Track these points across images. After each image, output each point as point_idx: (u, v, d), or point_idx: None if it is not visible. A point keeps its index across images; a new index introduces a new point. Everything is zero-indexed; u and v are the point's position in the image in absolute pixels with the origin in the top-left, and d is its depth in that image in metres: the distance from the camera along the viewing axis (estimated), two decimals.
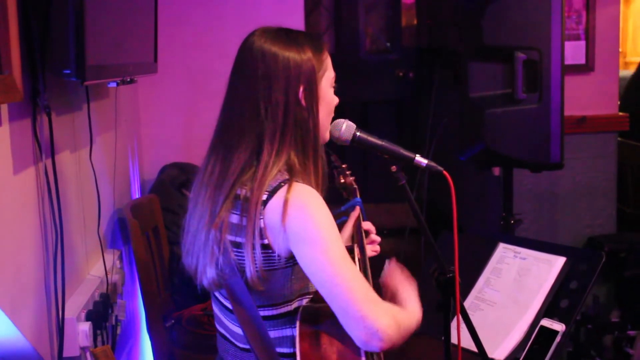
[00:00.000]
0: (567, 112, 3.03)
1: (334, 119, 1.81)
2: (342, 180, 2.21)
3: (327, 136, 1.79)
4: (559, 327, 1.99)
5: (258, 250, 1.62)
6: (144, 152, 3.92)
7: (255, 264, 1.63)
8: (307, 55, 1.70)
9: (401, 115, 5.96)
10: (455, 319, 1.75)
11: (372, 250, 2.10)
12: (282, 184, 1.63)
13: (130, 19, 2.62)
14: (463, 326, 1.77)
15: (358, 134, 1.77)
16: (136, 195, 3.60)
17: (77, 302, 2.26)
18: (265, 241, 1.63)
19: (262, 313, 1.71)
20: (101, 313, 2.36)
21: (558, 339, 1.97)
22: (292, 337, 1.70)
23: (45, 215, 2.07)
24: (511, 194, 3.28)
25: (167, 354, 3.02)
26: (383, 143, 1.75)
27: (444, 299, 1.74)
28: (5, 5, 1.68)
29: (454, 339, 1.77)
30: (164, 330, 3.05)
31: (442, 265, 1.73)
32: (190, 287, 3.35)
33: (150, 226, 3.17)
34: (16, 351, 1.90)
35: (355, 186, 2.23)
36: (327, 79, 1.75)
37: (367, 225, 2.09)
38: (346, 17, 5.94)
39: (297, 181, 1.64)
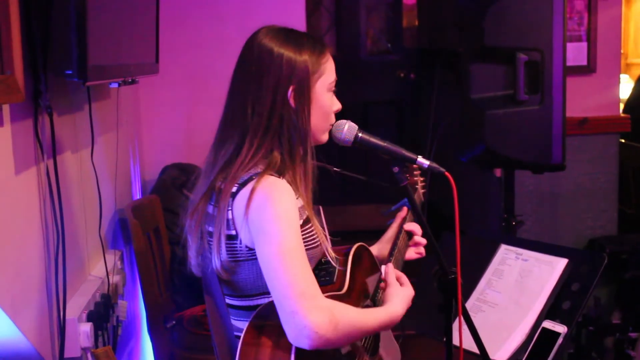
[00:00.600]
0: (569, 114, 3.03)
1: (335, 120, 1.80)
2: (409, 180, 2.17)
3: (323, 138, 1.79)
4: (561, 329, 1.98)
5: (223, 240, 1.66)
6: (145, 153, 3.92)
7: (220, 253, 1.67)
8: (303, 56, 1.70)
9: (402, 116, 5.94)
10: (456, 320, 1.75)
11: (415, 252, 2.09)
12: (253, 177, 1.65)
13: (132, 20, 2.62)
14: (465, 328, 1.76)
15: (360, 135, 1.76)
16: (137, 195, 3.60)
17: (78, 303, 2.26)
18: (233, 232, 1.65)
19: (229, 301, 1.75)
20: (102, 314, 2.36)
21: (560, 340, 1.96)
22: None
23: (47, 216, 2.07)
24: (512, 195, 3.28)
25: (168, 354, 3.02)
26: (385, 144, 1.75)
27: (445, 300, 1.73)
28: (7, 6, 1.68)
29: (455, 341, 1.76)
30: (165, 331, 3.05)
31: (444, 266, 1.72)
32: (191, 288, 3.36)
33: (152, 227, 3.17)
34: (17, 352, 1.90)
35: (418, 186, 2.22)
36: (324, 82, 1.75)
37: (410, 226, 2.08)
38: (347, 18, 5.92)
39: (270, 174, 1.65)
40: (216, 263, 1.68)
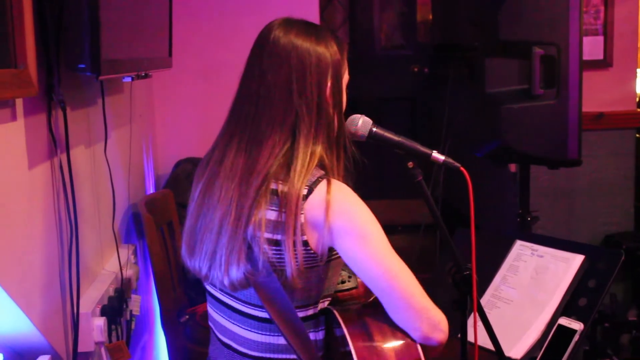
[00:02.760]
0: (585, 109, 3.00)
1: (349, 115, 1.79)
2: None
3: None
4: (577, 325, 1.96)
5: (300, 246, 1.58)
6: (158, 147, 3.92)
7: (297, 260, 1.58)
8: (335, 50, 1.70)
9: (416, 111, 5.93)
10: (471, 316, 1.74)
11: None
12: (320, 179, 1.61)
13: (145, 13, 2.61)
14: (479, 324, 1.75)
15: (374, 129, 1.75)
16: (150, 190, 3.61)
17: (91, 297, 2.26)
18: (305, 238, 1.59)
19: (299, 314, 1.67)
20: (116, 308, 2.37)
21: (576, 338, 1.94)
22: (314, 341, 1.68)
23: (60, 211, 2.07)
24: (528, 190, 3.26)
25: (181, 349, 3.02)
26: (400, 139, 1.74)
27: (460, 296, 1.72)
28: (21, 1, 1.68)
29: (470, 337, 1.75)
30: (178, 326, 3.05)
31: (459, 262, 1.71)
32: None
33: (165, 221, 3.18)
34: (31, 346, 1.91)
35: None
36: (346, 78, 1.76)
37: None
38: (361, 13, 5.91)
39: (332, 177, 1.64)
40: (292, 271, 1.58)
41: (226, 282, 1.65)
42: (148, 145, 3.62)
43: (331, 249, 1.63)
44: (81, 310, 2.13)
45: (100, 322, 2.18)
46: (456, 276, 1.71)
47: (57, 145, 2.03)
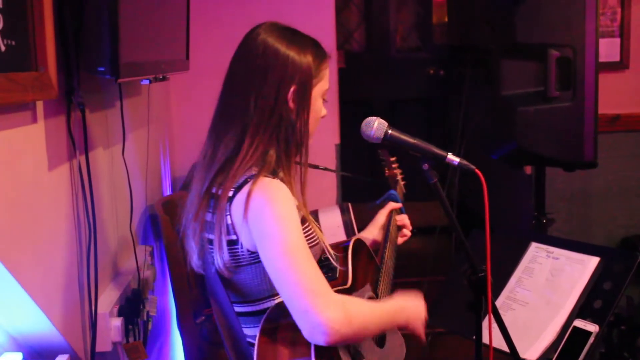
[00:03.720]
0: (601, 111, 3.00)
1: (364, 117, 1.80)
2: (387, 173, 2.24)
3: (310, 142, 1.79)
4: (593, 328, 1.96)
5: (224, 246, 1.66)
6: (175, 149, 3.94)
7: (223, 259, 1.67)
8: (307, 58, 1.71)
9: (431, 113, 5.92)
10: (486, 318, 1.74)
11: (400, 238, 2.15)
12: (248, 179, 1.65)
13: (163, 17, 2.63)
14: (494, 326, 1.75)
15: (390, 132, 1.76)
16: (167, 191, 3.63)
17: (109, 298, 2.28)
18: (233, 237, 1.65)
19: (237, 309, 1.74)
20: (133, 308, 2.38)
21: (591, 340, 1.94)
22: None
23: (79, 211, 2.10)
24: (543, 193, 3.25)
25: (197, 349, 3.04)
26: (415, 141, 1.74)
27: (475, 298, 1.72)
28: (41, 4, 1.70)
29: (485, 339, 1.76)
30: (194, 326, 3.07)
31: (474, 264, 1.71)
32: None
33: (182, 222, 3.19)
34: (50, 345, 1.93)
35: (398, 179, 2.25)
36: (320, 89, 1.77)
37: (403, 220, 2.11)
38: (376, 15, 5.91)
39: (265, 176, 1.65)
40: (219, 268, 1.69)
41: (194, 266, 1.80)
42: (165, 147, 3.64)
43: None
44: (99, 311, 2.15)
45: (117, 322, 2.20)
46: (471, 278, 1.72)
47: (76, 147, 2.05)
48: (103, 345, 2.17)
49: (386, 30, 5.94)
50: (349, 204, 2.77)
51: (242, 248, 1.66)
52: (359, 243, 1.92)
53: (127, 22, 2.01)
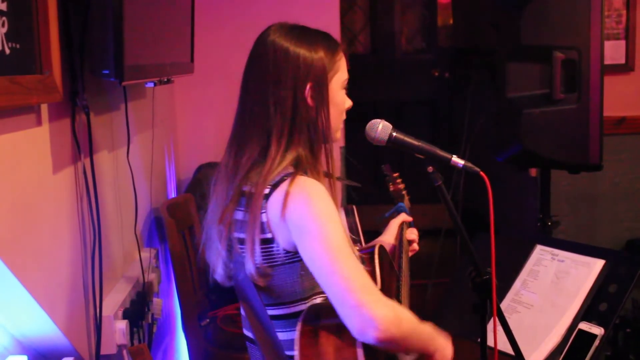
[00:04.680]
0: (607, 113, 2.99)
1: (369, 119, 1.80)
2: (392, 188, 2.25)
3: (337, 137, 1.79)
4: (598, 330, 1.96)
5: (257, 245, 1.62)
6: (180, 152, 3.95)
7: (255, 258, 1.63)
8: (319, 54, 1.70)
9: (437, 115, 5.93)
10: (491, 321, 1.74)
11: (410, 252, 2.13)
12: (285, 177, 1.63)
13: (168, 20, 2.64)
14: (499, 329, 1.75)
15: (394, 134, 1.75)
16: (172, 194, 3.63)
17: (114, 300, 2.29)
18: (268, 235, 1.62)
19: (270, 312, 1.69)
20: (138, 311, 2.39)
21: (596, 342, 1.94)
22: None
23: (84, 214, 2.10)
24: (548, 195, 3.25)
25: (202, 352, 3.04)
26: (419, 143, 1.74)
27: (480, 300, 1.72)
28: (46, 7, 1.71)
29: (490, 342, 1.75)
30: (199, 329, 3.07)
31: (479, 266, 1.71)
32: (225, 287, 3.37)
33: (186, 225, 3.20)
34: (55, 348, 1.94)
35: (403, 193, 2.25)
36: (338, 80, 1.75)
37: (411, 235, 2.11)
38: (381, 17, 5.92)
39: (301, 174, 1.64)
40: (250, 269, 1.64)
41: (217, 277, 1.75)
42: (170, 150, 3.65)
43: None
44: (104, 314, 2.15)
45: (122, 325, 2.21)
46: (476, 280, 1.71)
47: (80, 149, 2.06)
48: (108, 348, 2.17)
49: (391, 32, 5.94)
50: (354, 207, 2.77)
51: (277, 247, 1.63)
52: (383, 250, 1.90)
53: (132, 25, 2.02)
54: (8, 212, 1.60)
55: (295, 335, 1.61)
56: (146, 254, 2.75)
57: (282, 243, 1.63)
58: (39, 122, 1.79)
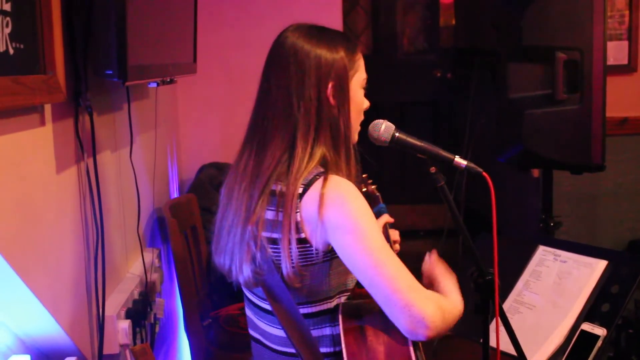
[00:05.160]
0: (609, 113, 2.99)
1: (371, 119, 1.80)
2: (364, 189, 2.24)
3: (356, 137, 1.79)
4: (600, 331, 1.96)
5: (294, 244, 1.62)
6: (182, 152, 3.95)
7: (292, 259, 1.62)
8: (340, 53, 1.71)
9: (439, 115, 5.92)
10: (493, 321, 1.74)
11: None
12: (317, 176, 1.63)
13: (170, 20, 2.64)
14: (502, 329, 1.75)
15: (397, 134, 1.76)
16: (175, 194, 3.64)
17: (117, 300, 2.29)
18: (302, 235, 1.62)
19: (301, 311, 1.70)
20: (140, 311, 2.39)
21: (599, 343, 1.94)
22: (331, 336, 1.70)
23: (87, 214, 2.10)
24: (551, 195, 3.25)
25: (204, 352, 3.04)
26: (422, 144, 1.74)
27: (482, 301, 1.72)
28: (50, 8, 1.71)
29: (492, 342, 1.75)
30: (201, 329, 3.08)
31: (481, 267, 1.71)
32: (227, 287, 3.38)
33: (189, 225, 3.20)
34: (58, 347, 1.94)
35: (378, 194, 2.25)
36: (358, 80, 1.76)
37: (393, 235, 2.11)
38: (383, 18, 5.92)
39: (333, 174, 1.64)
40: (287, 268, 1.63)
41: (241, 280, 1.72)
42: (172, 150, 3.65)
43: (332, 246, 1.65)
44: (107, 313, 2.16)
45: (125, 324, 2.21)
46: (478, 281, 1.72)
47: (84, 149, 2.06)
48: (110, 347, 2.18)
49: (393, 33, 5.94)
50: None
51: (311, 247, 1.63)
52: None
53: (135, 26, 2.02)
54: (11, 212, 1.60)
55: (331, 332, 1.65)
56: (149, 254, 2.76)
57: (315, 243, 1.63)
58: (42, 122, 1.79)
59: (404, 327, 1.54)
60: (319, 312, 1.70)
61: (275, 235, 1.65)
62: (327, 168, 1.66)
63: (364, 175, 2.25)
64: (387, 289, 1.54)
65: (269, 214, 1.66)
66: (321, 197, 1.59)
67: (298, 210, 1.62)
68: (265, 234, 1.66)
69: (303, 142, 1.66)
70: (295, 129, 1.67)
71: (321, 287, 1.68)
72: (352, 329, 1.62)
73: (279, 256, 1.64)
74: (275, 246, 1.65)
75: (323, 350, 1.70)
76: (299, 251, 1.63)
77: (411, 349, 1.58)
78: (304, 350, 1.68)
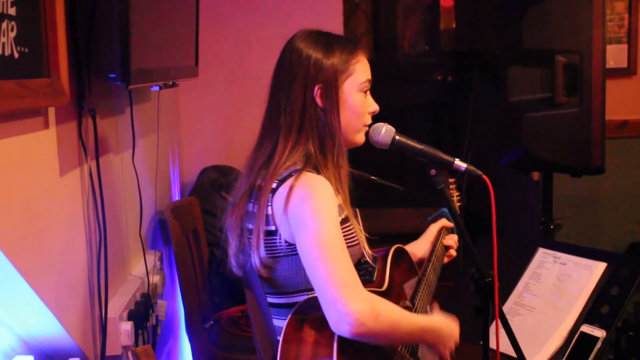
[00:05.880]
0: (609, 117, 2.99)
1: (372, 123, 1.82)
2: (443, 189, 2.22)
3: (357, 139, 1.81)
4: (600, 333, 1.97)
5: (262, 236, 1.69)
6: (184, 155, 3.96)
7: (259, 250, 1.69)
8: (332, 57, 1.74)
9: (439, 119, 5.93)
10: (494, 323, 1.75)
11: (446, 257, 2.18)
12: (292, 173, 1.68)
13: (173, 24, 2.66)
14: (502, 331, 1.76)
15: (397, 137, 1.77)
16: (176, 197, 3.64)
17: (119, 302, 2.30)
18: (272, 227, 1.68)
19: (270, 300, 1.77)
20: (142, 313, 2.40)
21: (598, 345, 1.95)
22: None
23: (90, 216, 2.12)
24: (551, 198, 3.25)
25: (206, 354, 3.05)
26: (422, 147, 1.76)
27: (482, 303, 1.73)
28: (54, 12, 1.73)
29: (492, 344, 1.76)
30: (202, 331, 3.09)
31: (481, 269, 1.72)
32: (229, 289, 3.39)
33: (190, 228, 3.21)
34: (61, 348, 1.95)
35: (455, 199, 2.25)
36: (354, 82, 1.77)
37: (449, 241, 2.13)
38: (384, 21, 5.92)
39: (309, 171, 1.68)
40: (255, 260, 1.71)
41: (233, 269, 1.83)
42: (174, 153, 3.66)
43: None
44: (109, 315, 2.17)
45: (127, 326, 2.22)
46: (479, 283, 1.73)
47: (87, 152, 2.07)
48: (113, 349, 2.19)
49: (394, 36, 5.95)
50: (357, 210, 2.78)
51: (280, 239, 1.69)
52: (400, 251, 1.94)
53: (138, 29, 2.03)
54: (15, 214, 1.61)
55: (284, 323, 1.67)
56: (151, 256, 2.77)
57: (284, 235, 1.68)
58: (46, 125, 1.81)
59: (329, 320, 1.56)
60: (289, 304, 1.74)
61: (250, 226, 1.73)
62: (308, 165, 1.71)
63: (451, 180, 2.25)
64: (321, 283, 1.58)
65: (250, 206, 1.75)
66: (289, 190, 1.65)
67: (269, 204, 1.68)
68: (247, 225, 1.75)
69: (284, 141, 1.73)
70: (279, 129, 1.74)
71: (295, 279, 1.72)
72: (295, 321, 1.66)
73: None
74: (251, 236, 1.73)
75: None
76: (267, 243, 1.69)
77: (335, 344, 1.58)
78: (261, 337, 1.77)
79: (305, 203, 1.64)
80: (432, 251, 2.08)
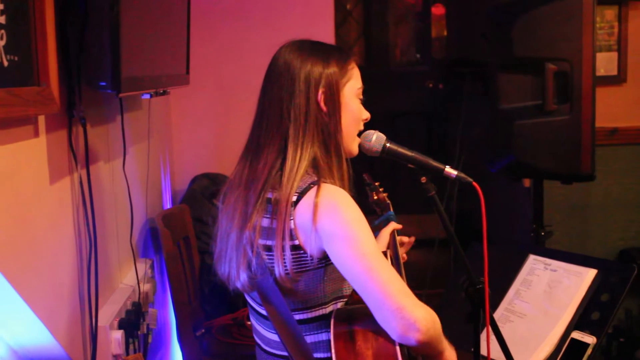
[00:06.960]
0: (599, 124, 3.01)
1: (363, 130, 1.82)
2: (375, 197, 2.26)
3: (353, 148, 1.81)
4: (590, 339, 1.97)
5: (288, 251, 1.64)
6: (175, 163, 3.96)
7: (285, 265, 1.65)
8: (331, 61, 1.75)
9: (431, 126, 5.94)
10: (484, 330, 1.75)
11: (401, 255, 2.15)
12: (312, 185, 1.66)
13: (164, 32, 2.66)
14: (493, 338, 1.76)
15: (388, 145, 1.78)
16: (168, 205, 3.64)
17: (110, 311, 2.29)
18: (296, 242, 1.65)
19: (297, 317, 1.72)
20: (133, 321, 2.39)
21: (589, 351, 1.95)
22: (328, 341, 1.71)
23: (80, 225, 2.11)
24: (541, 205, 3.26)
25: None
26: (413, 154, 1.76)
27: (473, 310, 1.73)
28: (44, 20, 1.73)
29: (483, 351, 1.77)
30: (194, 340, 3.08)
31: (472, 276, 1.72)
32: (221, 297, 3.39)
33: (182, 236, 3.21)
34: (51, 357, 1.94)
35: (388, 201, 2.27)
36: (351, 88, 1.78)
37: (401, 240, 2.13)
38: (376, 29, 5.95)
39: (325, 182, 1.67)
40: (280, 273, 1.66)
41: (238, 285, 1.75)
42: (165, 161, 3.66)
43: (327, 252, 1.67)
44: (99, 324, 2.16)
45: (118, 335, 2.22)
46: (469, 290, 1.73)
47: (77, 160, 2.07)
48: (103, 358, 2.18)
49: (385, 44, 5.97)
50: None
51: (305, 253, 1.65)
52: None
53: (129, 38, 2.04)
54: (5, 223, 1.61)
55: (328, 338, 1.65)
56: (142, 264, 2.76)
57: (310, 250, 1.65)
58: (36, 134, 1.80)
59: (395, 330, 1.54)
60: (314, 318, 1.72)
61: (269, 243, 1.67)
62: (319, 172, 1.69)
63: (376, 183, 2.27)
64: (379, 293, 1.55)
65: (265, 222, 1.69)
66: (315, 205, 1.62)
67: (292, 218, 1.64)
68: (261, 242, 1.69)
69: (293, 145, 1.70)
70: (286, 135, 1.71)
71: (316, 293, 1.70)
72: (342, 333, 1.63)
73: (274, 263, 1.67)
74: (270, 253, 1.68)
75: (319, 355, 1.71)
76: (293, 257, 1.65)
77: (399, 354, 1.58)
78: (297, 355, 1.70)
79: (337, 216, 1.62)
80: (396, 256, 2.08)
